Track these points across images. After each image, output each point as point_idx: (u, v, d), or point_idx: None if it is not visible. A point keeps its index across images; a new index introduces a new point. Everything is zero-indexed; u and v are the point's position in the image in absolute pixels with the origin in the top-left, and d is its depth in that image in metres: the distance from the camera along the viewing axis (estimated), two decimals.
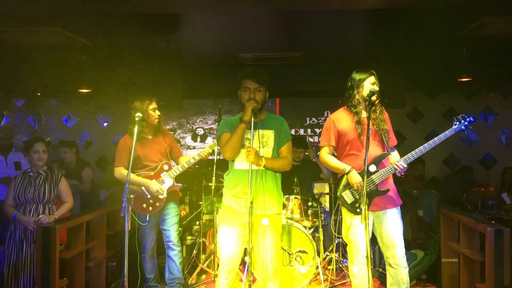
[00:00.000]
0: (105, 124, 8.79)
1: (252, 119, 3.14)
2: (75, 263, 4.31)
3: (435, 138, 3.53)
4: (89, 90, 7.26)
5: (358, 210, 3.55)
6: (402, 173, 3.65)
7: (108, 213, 4.85)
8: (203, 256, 5.26)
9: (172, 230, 4.36)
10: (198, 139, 8.28)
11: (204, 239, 5.34)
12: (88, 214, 4.57)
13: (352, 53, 6.45)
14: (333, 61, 6.97)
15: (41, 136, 8.68)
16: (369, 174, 3.57)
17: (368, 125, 3.35)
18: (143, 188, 4.23)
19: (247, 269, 3.11)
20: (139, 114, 3.63)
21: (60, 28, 4.97)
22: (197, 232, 5.55)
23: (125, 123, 7.59)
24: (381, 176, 3.57)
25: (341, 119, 3.65)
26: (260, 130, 3.30)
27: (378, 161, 3.60)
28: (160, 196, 4.25)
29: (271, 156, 3.34)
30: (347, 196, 3.58)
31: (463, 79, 6.52)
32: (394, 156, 3.70)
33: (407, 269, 3.62)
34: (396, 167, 3.53)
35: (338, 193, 3.61)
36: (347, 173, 3.55)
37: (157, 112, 4.34)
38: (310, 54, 6.59)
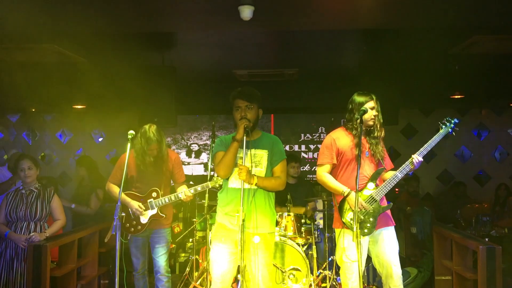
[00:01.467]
0: (100, 139, 8.78)
1: (244, 138, 3.16)
2: (66, 282, 4.28)
3: (428, 143, 3.57)
4: (83, 106, 7.29)
5: (366, 230, 3.55)
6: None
7: (100, 230, 4.82)
8: (196, 274, 5.22)
9: (160, 260, 4.28)
10: (193, 155, 8.28)
11: (197, 257, 5.31)
12: (80, 232, 4.55)
13: (346, 70, 6.50)
14: (327, 78, 7.02)
15: (35, 151, 8.71)
16: (369, 192, 3.58)
17: (359, 143, 3.38)
18: (129, 208, 4.21)
19: (241, 286, 3.08)
20: (131, 131, 3.62)
21: (57, 46, 4.99)
22: (191, 249, 5.52)
23: (120, 139, 7.70)
24: (380, 192, 3.58)
25: (340, 138, 3.67)
26: (252, 149, 3.32)
27: (375, 178, 3.62)
28: (142, 220, 4.20)
29: (265, 176, 3.35)
30: (351, 218, 3.56)
31: (456, 96, 6.58)
32: (391, 172, 3.72)
33: None
34: (413, 160, 3.51)
35: (342, 218, 3.59)
36: (345, 196, 3.55)
37: (155, 153, 4.21)
38: (305, 71, 6.64)
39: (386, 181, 3.59)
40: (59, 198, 4.32)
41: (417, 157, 3.54)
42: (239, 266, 3.23)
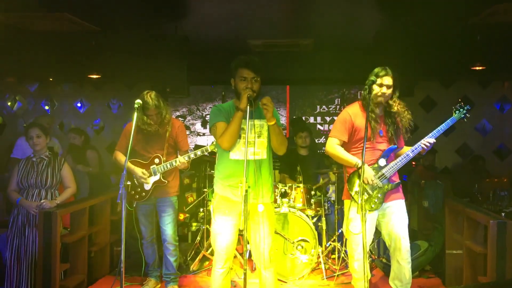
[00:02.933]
0: (117, 109, 8.84)
1: (248, 108, 3.09)
2: (77, 248, 4.36)
3: (441, 125, 3.57)
4: (98, 76, 7.31)
5: (373, 206, 3.52)
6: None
7: (112, 198, 4.87)
8: (206, 243, 5.28)
9: (168, 229, 4.31)
10: (208, 127, 8.27)
11: (208, 226, 5.35)
12: (91, 200, 4.61)
13: (363, 40, 6.34)
14: (343, 48, 6.86)
15: (55, 120, 8.82)
16: (380, 168, 3.54)
17: (367, 116, 3.32)
18: (133, 175, 4.23)
19: (244, 258, 3.09)
20: (138, 100, 3.61)
21: (68, 13, 4.97)
22: (202, 219, 5.56)
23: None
24: (391, 169, 3.55)
25: (357, 115, 3.62)
26: (257, 120, 3.27)
27: (387, 155, 3.58)
28: (146, 187, 4.22)
29: (266, 147, 3.31)
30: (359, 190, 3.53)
31: (477, 68, 6.39)
32: (403, 150, 3.66)
33: (410, 265, 3.59)
34: (423, 145, 3.50)
35: (351, 191, 3.56)
36: (359, 168, 3.50)
37: (155, 118, 4.17)
38: (320, 42, 6.50)
39: (397, 159, 3.55)
40: (70, 167, 4.36)
41: (427, 141, 3.51)
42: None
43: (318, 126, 7.86)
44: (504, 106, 8.18)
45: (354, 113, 3.63)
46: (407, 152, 3.57)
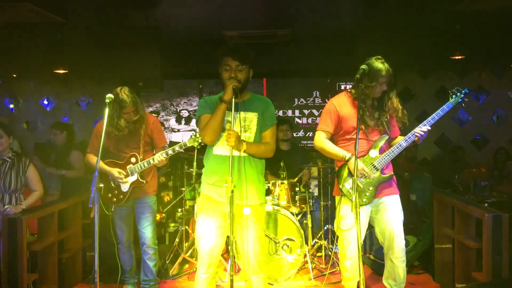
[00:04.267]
0: (86, 106, 8.44)
1: (233, 99, 2.85)
2: (46, 256, 4.03)
3: (436, 112, 3.41)
4: (65, 71, 6.93)
5: (364, 200, 3.33)
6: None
7: (83, 201, 4.56)
8: (186, 244, 5.01)
9: (146, 231, 4.05)
10: (183, 122, 7.97)
11: (186, 227, 5.09)
12: (60, 203, 4.29)
13: (342, 30, 6.19)
14: (321, 39, 6.69)
15: (19, 119, 8.37)
16: (371, 159, 3.35)
17: (359, 106, 3.12)
18: (109, 177, 3.96)
19: (230, 262, 2.85)
20: (110, 95, 3.32)
21: (29, 3, 4.62)
22: (180, 219, 5.29)
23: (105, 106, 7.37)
24: (383, 160, 3.35)
25: (342, 104, 3.43)
26: (242, 112, 3.02)
27: (378, 145, 3.39)
28: (123, 189, 3.96)
29: (253, 141, 3.06)
30: (350, 186, 3.33)
31: (456, 57, 6.30)
32: (396, 140, 3.49)
33: (405, 263, 3.42)
34: (418, 134, 3.33)
35: (340, 185, 3.37)
36: (347, 161, 3.32)
37: (132, 116, 3.88)
38: (298, 32, 6.31)
39: (389, 150, 3.36)
40: (36, 168, 4.02)
41: (421, 129, 3.34)
42: (227, 238, 2.99)
43: (297, 119, 7.65)
44: (480, 96, 8.14)
45: (339, 102, 3.44)
46: (400, 141, 3.40)
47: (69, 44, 6.19)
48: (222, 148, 3.01)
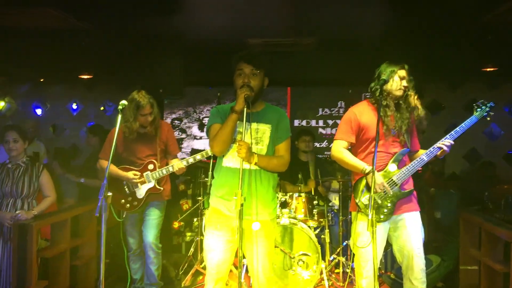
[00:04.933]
0: (112, 112, 8.47)
1: (245, 109, 2.73)
2: (57, 263, 3.99)
3: (460, 125, 3.25)
4: (90, 76, 6.98)
5: (382, 217, 3.15)
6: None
7: (100, 206, 4.49)
8: (200, 255, 4.90)
9: (149, 235, 4.01)
10: (205, 129, 7.90)
11: (202, 237, 4.98)
12: (73, 209, 4.25)
13: (368, 40, 6.01)
14: (347, 47, 6.53)
15: (46, 123, 8.47)
16: (390, 174, 3.18)
17: (378, 119, 2.96)
18: (124, 182, 3.93)
19: (239, 279, 2.73)
20: (123, 102, 3.25)
21: (51, 9, 4.64)
22: (197, 229, 5.20)
23: None
24: (403, 175, 3.18)
25: (363, 112, 3.26)
26: (254, 123, 2.90)
27: (398, 159, 3.21)
28: (138, 195, 3.93)
29: (266, 154, 2.93)
30: (368, 202, 3.16)
31: (488, 69, 6.06)
32: (417, 154, 3.31)
33: (425, 284, 3.22)
34: (442, 146, 3.15)
35: (357, 199, 3.21)
36: (366, 174, 3.15)
37: (149, 118, 3.91)
38: (323, 40, 6.16)
39: (409, 164, 3.18)
40: (49, 174, 3.98)
41: (446, 142, 3.16)
42: (236, 252, 2.86)
43: (320, 129, 7.50)
44: None
45: (360, 111, 3.27)
46: (421, 156, 3.21)
47: (94, 50, 6.22)
48: (232, 160, 2.89)
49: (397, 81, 3.18)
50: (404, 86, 3.19)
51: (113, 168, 3.90)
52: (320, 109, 7.56)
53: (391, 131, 3.23)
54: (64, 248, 4.01)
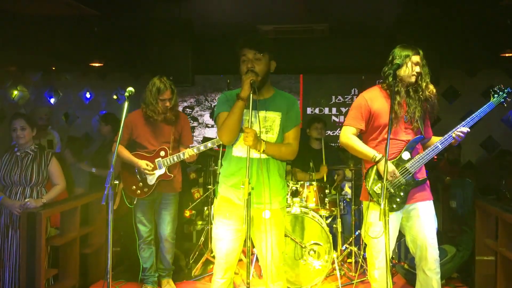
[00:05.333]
0: (122, 100, 8.46)
1: (251, 96, 2.65)
2: (67, 251, 3.98)
3: (476, 112, 3.12)
4: (101, 64, 6.94)
5: (395, 206, 3.07)
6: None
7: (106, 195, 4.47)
8: (210, 244, 4.87)
9: (167, 227, 4.07)
10: (213, 117, 7.84)
11: (212, 226, 4.94)
12: (83, 198, 4.23)
13: (382, 26, 5.89)
14: (361, 34, 6.41)
15: (58, 111, 8.47)
16: (403, 162, 3.08)
17: (392, 105, 2.86)
18: (135, 169, 3.95)
19: (247, 269, 2.67)
20: (130, 88, 3.19)
21: None
22: (208, 217, 5.15)
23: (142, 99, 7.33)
24: (416, 163, 3.08)
25: (374, 99, 3.14)
26: (263, 111, 2.81)
27: (412, 147, 3.11)
28: (150, 181, 3.94)
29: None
30: (380, 191, 3.08)
31: (507, 54, 5.89)
32: (432, 141, 3.21)
33: (439, 275, 3.13)
34: (457, 135, 3.04)
35: (368, 188, 3.12)
36: (377, 162, 3.06)
37: (167, 103, 3.93)
38: (336, 27, 6.05)
39: (423, 152, 3.08)
40: (58, 162, 3.93)
41: (461, 130, 3.05)
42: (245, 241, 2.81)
43: (333, 117, 7.38)
44: None
45: (371, 97, 3.16)
46: (436, 143, 3.10)
47: (104, 37, 6.18)
48: (241, 149, 2.81)
49: (409, 67, 3.07)
50: (417, 72, 3.08)
51: (127, 154, 3.94)
52: (333, 97, 7.44)
53: (404, 117, 3.13)
54: (74, 236, 3.99)
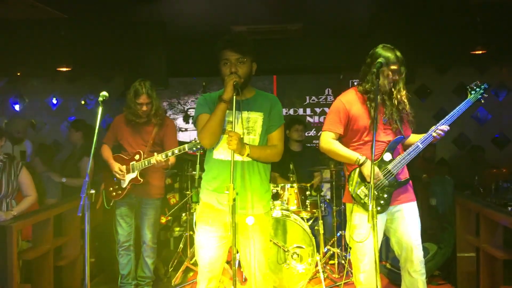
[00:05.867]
0: (94, 105, 8.21)
1: (234, 97, 2.57)
2: (41, 264, 3.80)
3: (455, 109, 3.09)
4: (69, 69, 6.73)
5: (379, 208, 3.01)
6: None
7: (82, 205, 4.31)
8: (190, 251, 4.75)
9: (148, 232, 4.05)
10: (190, 120, 7.71)
11: (191, 232, 4.82)
12: (55, 208, 4.06)
13: (356, 25, 5.89)
14: (334, 34, 6.40)
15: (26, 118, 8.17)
16: (385, 164, 3.04)
17: (375, 106, 2.81)
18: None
19: (233, 276, 2.58)
20: (104, 93, 3.06)
21: None
22: (185, 223, 5.03)
23: (114, 104, 7.14)
24: (398, 164, 3.03)
25: (352, 102, 3.09)
26: (245, 112, 2.73)
27: (393, 148, 3.06)
28: (122, 185, 3.96)
29: (258, 145, 2.77)
30: (364, 193, 3.03)
31: (477, 52, 5.97)
32: (411, 139, 3.18)
33: (425, 276, 3.10)
34: (437, 133, 3.02)
35: (351, 191, 3.06)
36: (360, 164, 3.00)
37: (144, 107, 3.90)
38: (310, 26, 6.02)
39: (405, 153, 3.04)
40: (28, 172, 3.77)
41: (442, 128, 3.03)
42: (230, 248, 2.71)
43: (308, 118, 7.36)
44: (500, 93, 7.75)
45: (348, 100, 3.10)
46: (416, 143, 3.06)
47: (72, 40, 5.99)
48: (223, 152, 2.72)
49: (385, 75, 3.03)
50: (393, 79, 3.03)
51: (107, 155, 4.02)
52: (308, 97, 7.42)
53: (382, 119, 3.09)
54: (47, 249, 3.81)
